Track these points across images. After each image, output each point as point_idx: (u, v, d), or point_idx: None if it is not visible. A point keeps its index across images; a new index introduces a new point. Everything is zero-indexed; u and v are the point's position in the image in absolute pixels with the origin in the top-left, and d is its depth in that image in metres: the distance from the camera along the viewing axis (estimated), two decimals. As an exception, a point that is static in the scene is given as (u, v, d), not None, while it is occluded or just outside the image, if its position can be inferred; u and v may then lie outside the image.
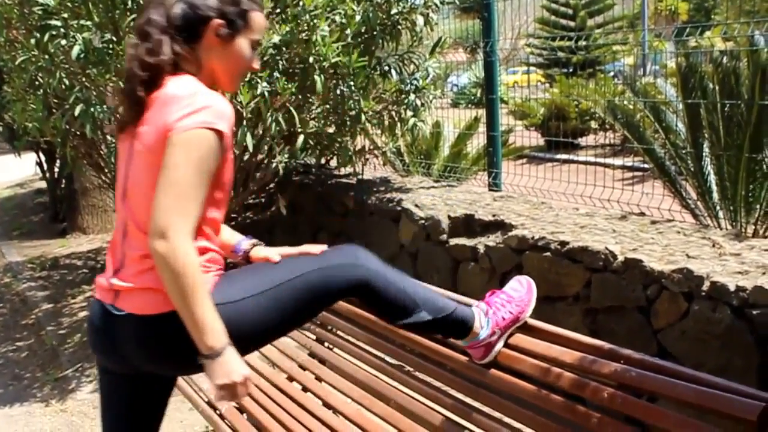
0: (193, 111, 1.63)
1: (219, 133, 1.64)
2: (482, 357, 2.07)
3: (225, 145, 1.68)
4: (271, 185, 4.79)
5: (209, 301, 1.61)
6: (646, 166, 4.64)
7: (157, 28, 1.72)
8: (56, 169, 8.69)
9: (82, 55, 3.39)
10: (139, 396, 1.92)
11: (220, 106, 1.66)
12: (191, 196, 1.61)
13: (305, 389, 2.74)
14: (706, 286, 2.55)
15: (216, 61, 1.79)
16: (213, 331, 1.60)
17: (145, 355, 1.76)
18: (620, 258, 2.88)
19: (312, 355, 2.85)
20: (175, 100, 1.66)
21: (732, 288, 2.46)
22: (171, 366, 1.85)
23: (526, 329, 2.10)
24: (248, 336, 1.75)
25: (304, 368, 2.82)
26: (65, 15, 3.52)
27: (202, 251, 1.74)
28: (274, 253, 1.98)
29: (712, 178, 3.88)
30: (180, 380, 3.03)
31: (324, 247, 1.96)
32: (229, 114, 1.69)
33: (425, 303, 1.97)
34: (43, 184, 9.72)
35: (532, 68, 16.99)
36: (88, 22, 3.45)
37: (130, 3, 3.44)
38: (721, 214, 3.81)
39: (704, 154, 3.90)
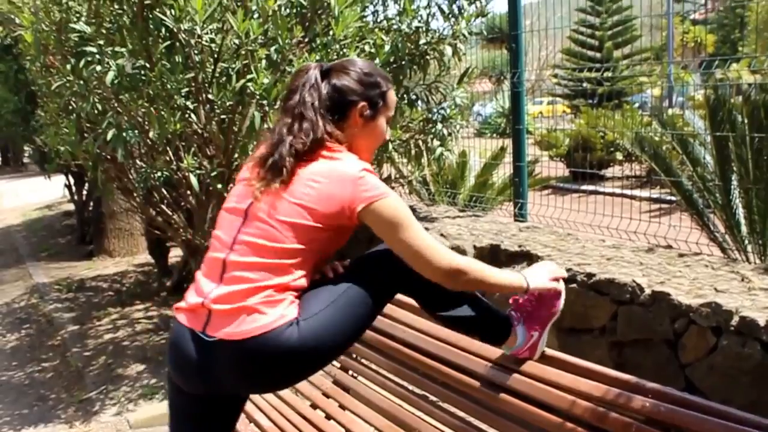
0: (373, 186, 1.85)
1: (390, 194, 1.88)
2: (531, 356, 2.14)
3: None
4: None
5: (496, 270, 1.96)
6: (672, 198, 4.61)
7: (313, 110, 1.92)
8: (84, 192, 8.82)
9: (116, 81, 3.46)
10: (212, 416, 2.01)
11: (379, 181, 1.90)
12: (429, 242, 1.87)
13: (329, 417, 2.74)
14: (735, 320, 2.52)
15: (359, 138, 2.00)
16: (515, 280, 2.00)
17: (238, 377, 1.85)
18: (647, 291, 2.86)
19: (336, 383, 2.85)
20: (350, 179, 1.85)
21: (762, 323, 2.43)
22: (264, 386, 2.05)
23: (553, 361, 2.09)
24: (335, 340, 1.88)
25: (328, 396, 2.82)
26: (101, 42, 3.59)
27: (300, 287, 1.88)
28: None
29: (741, 212, 3.84)
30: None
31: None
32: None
33: (468, 299, 2.06)
34: (71, 207, 9.86)
35: (557, 99, 17.00)
36: (123, 49, 3.52)
37: (163, 30, 3.51)
38: (749, 248, 3.77)
39: (732, 187, 3.87)
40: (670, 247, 3.55)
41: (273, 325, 1.78)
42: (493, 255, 3.75)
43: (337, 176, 1.86)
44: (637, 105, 10.90)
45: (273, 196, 1.87)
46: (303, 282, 1.88)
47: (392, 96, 2.07)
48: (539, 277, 2.06)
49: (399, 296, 2.71)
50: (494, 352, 2.22)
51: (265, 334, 1.77)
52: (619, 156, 10.49)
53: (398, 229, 1.85)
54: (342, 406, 2.73)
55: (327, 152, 1.91)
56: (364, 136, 2.01)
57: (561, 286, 2.11)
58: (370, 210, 1.84)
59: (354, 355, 2.81)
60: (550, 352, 2.15)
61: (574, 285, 3.16)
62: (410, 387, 2.54)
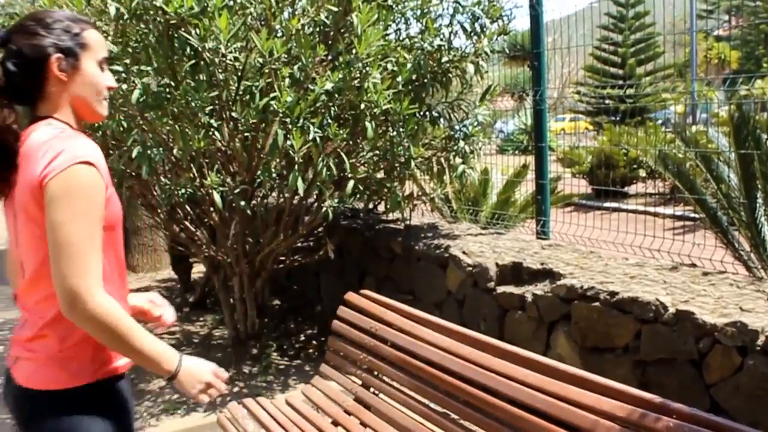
0: (55, 155, 1.56)
1: (92, 165, 1.57)
2: None
3: (102, 178, 1.61)
4: (320, 229, 4.84)
5: (146, 334, 1.62)
6: (695, 215, 4.58)
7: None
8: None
9: (141, 99, 3.51)
10: None
11: (79, 143, 1.60)
12: (88, 251, 1.55)
13: (350, 434, 2.73)
14: (761, 340, 2.49)
15: (71, 95, 1.71)
16: (163, 357, 1.66)
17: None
18: (671, 310, 2.84)
19: (358, 400, 2.84)
20: (33, 151, 1.61)
21: (788, 343, 2.41)
22: None
23: (575, 380, 2.07)
24: None
25: (349, 413, 2.82)
26: (126, 60, 3.65)
27: None
28: (145, 299, 2.07)
29: (766, 230, 3.81)
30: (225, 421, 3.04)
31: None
32: (91, 149, 1.62)
33: None
34: (96, 223, 9.94)
35: (579, 115, 16.95)
36: (148, 68, 3.57)
37: (188, 49, 3.55)
38: (775, 266, 3.74)
39: (758, 204, 3.83)
40: (694, 265, 3.52)
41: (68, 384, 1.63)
42: (515, 272, 3.74)
43: (26, 158, 1.61)
44: (660, 122, 10.85)
45: (13, 217, 1.68)
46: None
47: (92, 36, 1.73)
48: (194, 371, 1.71)
49: (421, 313, 2.71)
50: (517, 371, 2.21)
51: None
52: (642, 173, 10.45)
53: (64, 208, 1.53)
54: (363, 424, 2.73)
55: (31, 130, 1.66)
56: (77, 90, 1.70)
57: (204, 398, 1.73)
58: (49, 185, 1.54)
59: (375, 373, 2.80)
60: (572, 370, 2.13)
61: (597, 303, 3.14)
62: (432, 405, 2.53)
